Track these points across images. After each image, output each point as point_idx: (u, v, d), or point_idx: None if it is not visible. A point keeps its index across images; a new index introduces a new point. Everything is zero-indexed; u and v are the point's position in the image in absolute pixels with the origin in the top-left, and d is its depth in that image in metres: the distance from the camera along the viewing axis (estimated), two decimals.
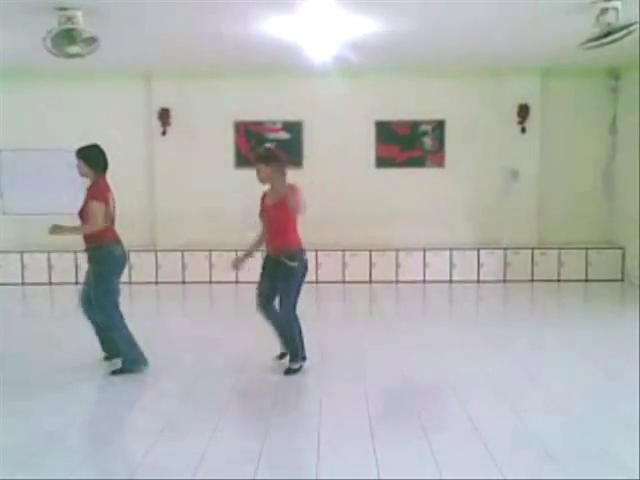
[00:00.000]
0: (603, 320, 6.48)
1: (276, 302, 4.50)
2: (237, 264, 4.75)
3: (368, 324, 6.41)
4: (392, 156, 8.86)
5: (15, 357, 5.15)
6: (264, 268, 4.57)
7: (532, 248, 8.60)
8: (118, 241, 4.58)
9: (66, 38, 5.39)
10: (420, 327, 6.19)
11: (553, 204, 8.78)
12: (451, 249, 8.59)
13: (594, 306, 7.41)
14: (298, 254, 4.42)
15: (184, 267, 8.62)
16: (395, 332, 5.94)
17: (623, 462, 3.11)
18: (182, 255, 8.61)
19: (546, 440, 3.36)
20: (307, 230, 8.21)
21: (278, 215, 4.42)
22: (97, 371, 4.59)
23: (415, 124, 8.81)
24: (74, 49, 5.50)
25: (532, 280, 8.52)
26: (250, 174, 4.78)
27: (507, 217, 8.75)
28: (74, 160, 4.56)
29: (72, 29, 5.33)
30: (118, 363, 4.56)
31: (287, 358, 4.58)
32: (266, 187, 4.61)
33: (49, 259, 8.41)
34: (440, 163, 8.86)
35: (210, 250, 8.47)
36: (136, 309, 7.63)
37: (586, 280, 8.48)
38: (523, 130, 8.60)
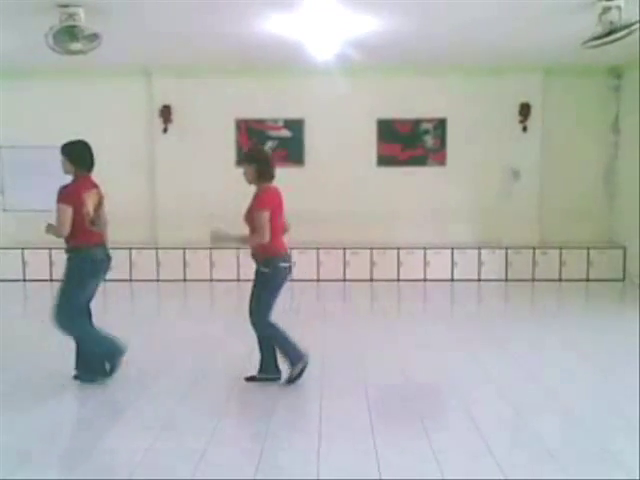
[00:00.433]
0: (604, 320, 6.48)
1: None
2: (216, 238, 4.33)
3: (369, 323, 6.40)
4: (394, 155, 8.84)
5: (16, 355, 5.15)
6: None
7: (533, 247, 8.59)
8: (99, 243, 4.26)
9: (68, 35, 5.39)
10: (421, 326, 6.18)
11: (554, 203, 8.76)
12: (452, 248, 8.58)
13: (595, 306, 7.40)
14: (272, 260, 4.11)
15: (185, 265, 8.62)
16: (396, 331, 5.93)
17: (624, 462, 3.11)
18: (183, 253, 8.61)
19: (547, 439, 3.36)
20: (308, 228, 8.34)
21: (254, 218, 4.11)
22: None
23: (417, 122, 8.80)
24: (76, 46, 5.50)
25: (533, 279, 8.51)
26: None
27: (508, 216, 8.73)
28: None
29: (74, 26, 5.33)
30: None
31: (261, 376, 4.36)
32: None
33: (50, 256, 8.39)
34: (441, 162, 8.84)
35: (211, 248, 8.47)
36: (137, 307, 7.66)
37: (587, 280, 8.47)
38: (524, 129, 8.58)
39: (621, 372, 4.60)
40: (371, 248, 8.57)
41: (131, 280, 8.53)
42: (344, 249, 8.56)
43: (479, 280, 8.51)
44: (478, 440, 3.35)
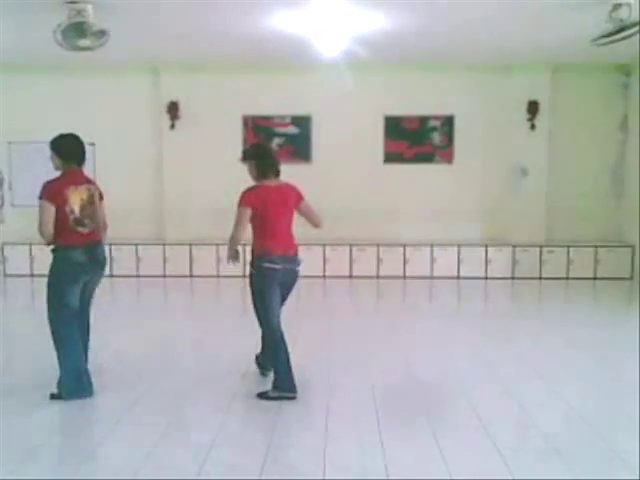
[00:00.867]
0: (611, 318, 6.46)
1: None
2: (233, 257, 4.16)
3: (375, 320, 6.40)
4: (400, 152, 8.83)
5: (23, 350, 5.19)
6: None
7: (540, 245, 8.56)
8: (82, 244, 3.89)
9: (76, 31, 5.40)
10: (427, 323, 6.18)
11: (562, 201, 8.73)
12: (459, 245, 8.57)
13: (603, 304, 7.37)
14: (257, 259, 3.98)
15: (192, 261, 8.64)
16: (402, 328, 5.93)
17: (628, 461, 3.09)
18: (190, 249, 8.63)
19: (553, 438, 3.35)
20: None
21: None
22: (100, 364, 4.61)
23: (424, 120, 8.78)
24: (84, 42, 5.51)
25: (540, 278, 8.48)
26: None
27: (515, 214, 8.71)
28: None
29: (82, 22, 5.34)
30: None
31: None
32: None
33: None
34: (449, 159, 8.82)
35: (218, 244, 8.48)
36: (143, 302, 7.68)
37: (595, 278, 8.44)
38: (532, 127, 8.55)
39: (628, 370, 4.58)
40: (377, 245, 8.57)
41: (138, 276, 8.57)
42: (350, 246, 8.56)
43: (486, 278, 8.50)
44: (485, 438, 3.35)
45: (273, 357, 4.05)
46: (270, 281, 3.97)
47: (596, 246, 8.51)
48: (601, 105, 8.64)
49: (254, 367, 4.47)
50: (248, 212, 3.92)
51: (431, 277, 8.52)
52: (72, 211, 3.85)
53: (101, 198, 4.13)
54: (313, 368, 4.51)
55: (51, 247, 3.91)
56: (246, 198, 3.95)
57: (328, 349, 5.10)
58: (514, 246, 8.56)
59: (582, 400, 3.99)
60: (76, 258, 3.87)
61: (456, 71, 8.53)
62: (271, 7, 5.77)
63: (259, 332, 4.22)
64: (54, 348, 3.93)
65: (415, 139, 8.80)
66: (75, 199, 3.86)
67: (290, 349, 4.07)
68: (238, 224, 3.95)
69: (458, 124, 8.76)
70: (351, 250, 8.56)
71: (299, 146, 8.80)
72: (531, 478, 2.94)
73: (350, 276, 8.52)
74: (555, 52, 7.72)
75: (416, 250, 8.57)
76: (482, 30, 6.67)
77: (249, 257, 4.09)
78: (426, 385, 4.31)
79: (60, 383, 3.93)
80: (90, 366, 4.09)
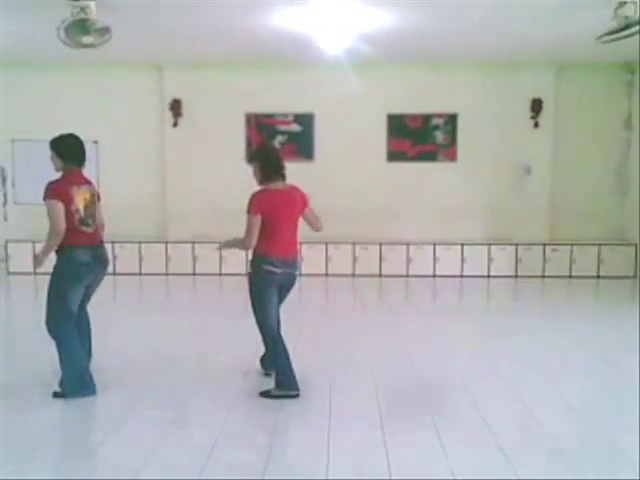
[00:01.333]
0: (614, 317, 6.44)
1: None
2: (224, 245, 4.20)
3: (378, 318, 6.39)
4: (404, 150, 8.81)
5: (24, 349, 5.19)
6: None
7: (544, 244, 8.55)
8: (87, 244, 3.90)
9: (79, 28, 5.39)
10: (430, 321, 6.16)
11: (566, 199, 8.72)
12: (462, 244, 8.55)
13: (605, 303, 7.35)
14: (256, 260, 3.96)
15: (194, 259, 8.64)
16: (405, 326, 5.92)
17: (631, 459, 3.08)
18: (192, 247, 8.63)
19: (556, 436, 3.34)
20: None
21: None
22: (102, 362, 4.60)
23: (427, 117, 8.76)
24: (87, 39, 5.50)
25: (543, 276, 8.47)
26: None
27: (519, 212, 8.69)
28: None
29: (85, 19, 5.33)
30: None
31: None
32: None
33: None
34: (452, 157, 8.80)
35: (220, 242, 8.46)
36: (145, 300, 7.69)
37: (598, 277, 8.42)
38: (536, 125, 8.53)
39: (631, 369, 4.56)
40: (380, 243, 8.55)
41: (140, 274, 8.57)
42: (353, 244, 8.55)
43: (489, 276, 8.48)
44: (487, 436, 3.34)
45: (273, 356, 4.06)
46: (269, 283, 3.95)
47: (599, 244, 8.49)
48: (605, 103, 8.61)
49: (256, 366, 4.46)
50: (259, 220, 3.84)
51: (434, 276, 8.50)
52: (77, 210, 3.85)
53: (99, 199, 4.12)
54: (315, 366, 4.50)
55: (56, 248, 3.86)
56: (256, 205, 3.86)
57: (330, 347, 5.09)
58: (517, 244, 8.55)
59: (585, 398, 3.97)
60: (82, 257, 3.87)
61: (460, 69, 8.51)
62: (274, 4, 5.75)
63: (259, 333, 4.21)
64: (56, 348, 3.91)
65: (418, 137, 8.78)
66: (79, 199, 3.87)
67: (292, 347, 4.06)
68: (250, 233, 3.87)
69: (461, 122, 8.74)
70: (354, 248, 8.55)
71: (302, 144, 8.79)
72: (534, 476, 2.93)
73: (353, 274, 8.51)
74: (559, 50, 7.69)
75: (419, 248, 8.56)
76: (486, 28, 6.64)
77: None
78: (429, 383, 4.30)
79: (62, 382, 3.93)
80: (92, 364, 4.09)
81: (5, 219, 8.98)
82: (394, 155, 8.82)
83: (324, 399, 3.92)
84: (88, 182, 4.04)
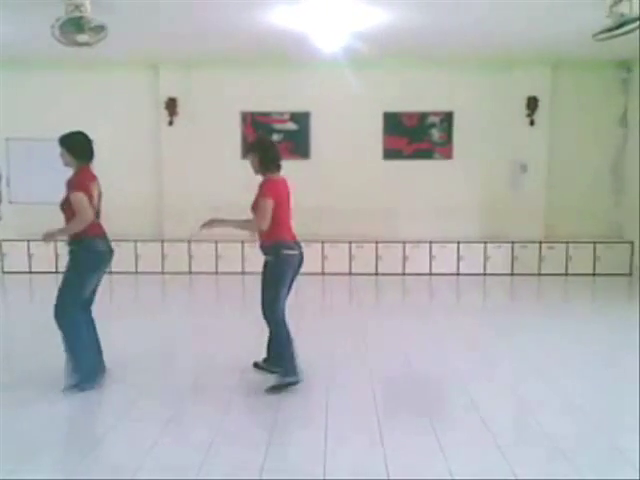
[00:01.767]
0: (611, 314, 6.45)
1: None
2: (210, 223, 4.32)
3: (374, 317, 6.38)
4: (400, 148, 8.81)
5: (20, 348, 5.17)
6: None
7: (540, 242, 8.56)
8: (102, 235, 4.16)
9: (74, 26, 5.36)
10: (427, 320, 6.16)
11: (562, 197, 8.73)
12: (458, 242, 8.55)
13: (602, 300, 7.37)
14: (275, 246, 4.05)
15: (190, 257, 8.62)
16: (402, 325, 5.92)
17: (631, 459, 3.09)
18: (188, 245, 8.61)
19: (554, 435, 3.34)
20: (313, 221, 8.33)
21: (259, 206, 4.04)
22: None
23: (423, 116, 8.76)
24: (82, 37, 5.47)
25: (539, 274, 8.48)
26: None
27: (515, 210, 8.70)
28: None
29: (80, 17, 5.30)
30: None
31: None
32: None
33: (56, 248, 8.40)
34: (448, 155, 8.80)
35: (216, 241, 8.46)
36: (142, 299, 7.67)
37: (594, 274, 8.44)
38: (532, 123, 8.53)
39: (628, 367, 4.57)
40: (376, 242, 8.55)
41: (137, 272, 8.55)
42: (349, 242, 8.54)
43: (485, 274, 8.49)
44: (485, 435, 3.34)
45: (277, 341, 4.13)
46: (290, 266, 4.10)
47: (595, 242, 8.50)
48: (601, 101, 8.62)
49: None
50: (272, 203, 3.98)
51: (430, 274, 8.50)
52: (94, 204, 4.08)
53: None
54: (313, 365, 4.49)
55: (71, 240, 4.05)
56: (271, 190, 4.02)
57: (327, 346, 5.08)
58: (513, 242, 8.56)
59: (582, 396, 3.98)
60: (101, 247, 4.12)
61: (455, 67, 8.51)
62: (270, 3, 5.74)
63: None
64: (64, 344, 3.98)
65: (414, 135, 8.79)
66: (95, 192, 4.11)
67: None
68: (265, 216, 3.98)
69: (457, 120, 8.74)
70: (350, 247, 8.54)
71: (298, 142, 8.78)
72: (533, 476, 2.93)
73: (349, 273, 8.51)
74: (555, 48, 7.70)
75: (415, 247, 8.55)
76: (481, 26, 6.64)
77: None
78: (426, 382, 4.30)
79: (73, 372, 4.00)
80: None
81: (0, 218, 8.94)
82: (390, 153, 8.82)
83: (322, 398, 3.91)
84: (95, 177, 4.23)
